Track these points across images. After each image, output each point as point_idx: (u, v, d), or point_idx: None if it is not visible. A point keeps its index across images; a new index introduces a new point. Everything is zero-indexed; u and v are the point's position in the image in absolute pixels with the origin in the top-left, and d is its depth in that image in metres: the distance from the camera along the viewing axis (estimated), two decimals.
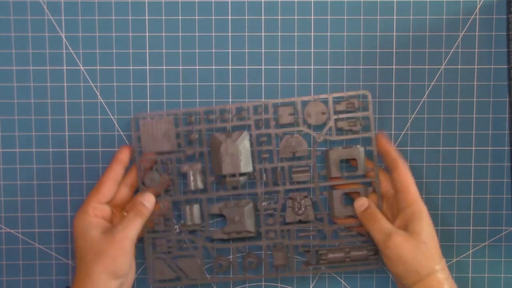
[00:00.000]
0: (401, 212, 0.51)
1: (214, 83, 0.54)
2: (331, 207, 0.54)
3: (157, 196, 0.53)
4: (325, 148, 0.54)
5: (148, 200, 0.52)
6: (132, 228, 0.50)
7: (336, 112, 0.54)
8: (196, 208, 0.54)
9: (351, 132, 0.54)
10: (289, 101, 0.54)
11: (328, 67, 0.54)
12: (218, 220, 0.55)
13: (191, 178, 0.53)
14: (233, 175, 0.53)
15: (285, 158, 0.54)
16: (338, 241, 0.54)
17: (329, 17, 0.54)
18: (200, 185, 0.53)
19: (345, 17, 0.54)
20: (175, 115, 0.53)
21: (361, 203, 0.53)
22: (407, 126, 0.55)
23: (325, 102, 0.53)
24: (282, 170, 0.54)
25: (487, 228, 0.55)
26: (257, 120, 0.54)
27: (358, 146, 0.53)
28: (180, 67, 0.54)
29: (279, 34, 0.54)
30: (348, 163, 0.55)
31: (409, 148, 0.55)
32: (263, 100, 0.54)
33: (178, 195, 0.54)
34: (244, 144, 0.53)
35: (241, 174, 0.53)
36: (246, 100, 0.55)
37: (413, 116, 0.55)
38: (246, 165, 0.53)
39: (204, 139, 0.53)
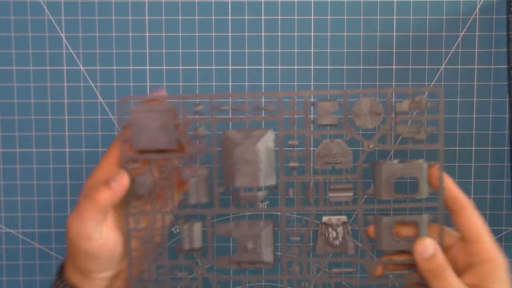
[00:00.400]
0: (472, 267, 0.40)
1: (214, 83, 0.54)
2: (378, 239, 0.42)
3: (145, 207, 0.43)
4: (376, 161, 0.43)
5: (117, 181, 0.40)
6: (84, 224, 0.39)
7: (395, 113, 0.42)
8: (197, 227, 0.42)
9: (413, 142, 0.43)
10: (333, 95, 0.42)
11: (328, 67, 0.54)
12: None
13: (193, 187, 0.42)
14: (250, 189, 0.41)
15: (321, 170, 0.42)
16: (383, 282, 0.43)
17: (329, 17, 0.54)
18: (203, 198, 0.42)
19: (345, 17, 0.54)
20: (177, 101, 0.43)
21: (425, 248, 0.41)
22: None
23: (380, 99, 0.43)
24: (316, 185, 0.42)
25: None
26: (288, 117, 0.42)
27: (421, 161, 0.42)
28: (180, 67, 0.54)
29: (279, 34, 0.54)
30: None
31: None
32: (298, 92, 0.42)
33: (174, 209, 0.43)
34: (267, 147, 0.41)
35: (261, 188, 0.41)
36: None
37: (413, 115, 0.55)
38: (267, 176, 0.41)
39: (214, 136, 0.42)
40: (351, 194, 0.42)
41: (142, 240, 0.42)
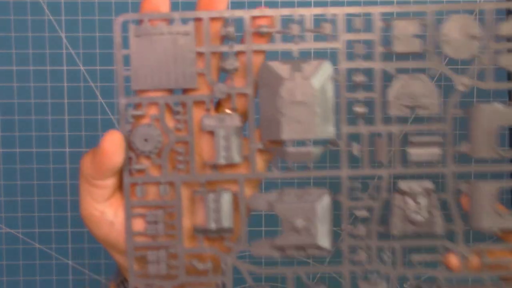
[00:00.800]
0: None
1: None
2: (475, 213, 0.30)
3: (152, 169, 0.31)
4: (473, 105, 0.32)
5: (103, 140, 0.30)
6: (84, 206, 0.31)
7: (498, 38, 0.32)
8: (226, 198, 0.30)
9: None
10: (412, 11, 0.32)
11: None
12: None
13: (221, 142, 0.30)
14: (301, 143, 0.30)
15: (397, 116, 0.31)
16: (482, 275, 0.31)
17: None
18: (236, 157, 0.30)
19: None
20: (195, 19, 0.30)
21: None
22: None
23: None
24: (390, 138, 0.31)
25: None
26: (352, 41, 0.31)
27: None
28: None
29: None
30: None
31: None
32: (365, 7, 0.31)
33: (193, 173, 0.30)
34: (323, 84, 0.30)
35: (315, 142, 0.30)
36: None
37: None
38: (324, 126, 0.30)
39: (251, 68, 0.30)
40: (438, 150, 0.31)
41: (149, 219, 0.31)
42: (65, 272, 0.55)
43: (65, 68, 0.54)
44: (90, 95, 0.54)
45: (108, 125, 0.54)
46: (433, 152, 0.31)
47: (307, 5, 0.54)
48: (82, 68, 0.54)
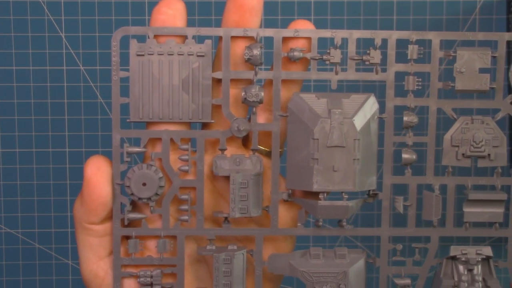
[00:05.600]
0: None
1: None
2: None
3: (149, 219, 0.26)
4: None
5: (87, 171, 0.25)
6: (81, 254, 0.27)
7: None
8: (239, 260, 0.25)
9: None
10: (479, 40, 0.25)
11: (329, 67, 0.54)
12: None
13: (237, 189, 0.25)
14: (334, 195, 0.25)
15: (455, 167, 0.27)
16: None
17: (329, 17, 0.54)
18: (254, 210, 0.25)
19: (345, 17, 0.54)
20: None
21: None
22: None
23: None
24: (443, 193, 0.27)
25: (487, 228, 0.55)
26: (403, 73, 0.27)
27: None
28: None
29: None
30: None
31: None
32: (420, 32, 0.26)
33: (201, 226, 0.26)
34: (367, 125, 0.25)
35: (352, 195, 0.25)
36: None
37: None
38: (365, 175, 0.25)
39: (279, 101, 0.26)
40: (501, 210, 0.26)
41: (143, 280, 0.26)
42: (65, 272, 0.55)
43: (65, 68, 0.54)
44: (90, 95, 0.54)
45: (108, 125, 0.54)
46: (493, 212, 0.26)
47: (307, 6, 0.54)
48: (82, 68, 0.54)
